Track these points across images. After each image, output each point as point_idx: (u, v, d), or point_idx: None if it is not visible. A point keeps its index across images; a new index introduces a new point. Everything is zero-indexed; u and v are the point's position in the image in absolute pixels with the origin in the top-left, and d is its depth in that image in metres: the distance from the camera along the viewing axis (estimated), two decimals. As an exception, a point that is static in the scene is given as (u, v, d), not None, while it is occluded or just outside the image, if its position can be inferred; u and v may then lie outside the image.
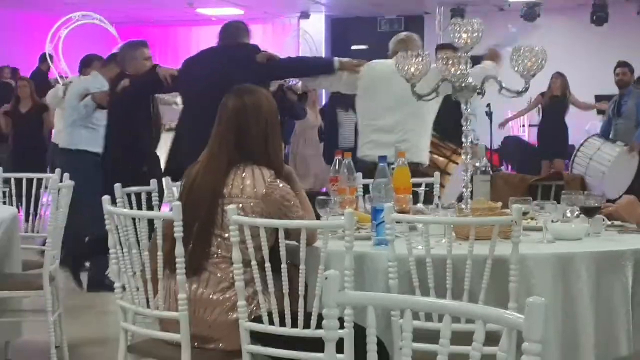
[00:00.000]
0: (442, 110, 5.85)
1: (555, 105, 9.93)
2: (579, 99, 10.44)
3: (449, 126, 5.95)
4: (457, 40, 3.35)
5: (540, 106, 10.25)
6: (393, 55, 4.89)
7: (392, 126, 4.76)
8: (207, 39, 14.75)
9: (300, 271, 2.74)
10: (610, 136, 8.47)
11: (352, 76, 4.96)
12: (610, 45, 11.69)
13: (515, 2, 11.72)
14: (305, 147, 8.63)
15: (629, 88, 8.71)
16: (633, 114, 8.49)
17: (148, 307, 3.00)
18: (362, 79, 4.95)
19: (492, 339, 1.68)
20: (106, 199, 3.06)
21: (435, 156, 5.44)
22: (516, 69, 3.31)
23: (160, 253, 2.91)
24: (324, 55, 14.11)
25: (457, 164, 5.45)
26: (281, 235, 2.74)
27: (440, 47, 6.36)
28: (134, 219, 3.02)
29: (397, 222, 2.76)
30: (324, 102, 10.31)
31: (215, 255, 2.95)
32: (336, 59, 5.07)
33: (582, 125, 10.54)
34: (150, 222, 3.00)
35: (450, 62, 3.36)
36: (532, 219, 3.31)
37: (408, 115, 4.71)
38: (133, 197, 3.76)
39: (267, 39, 14.21)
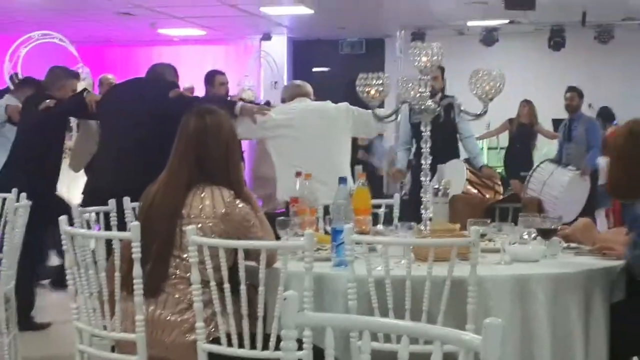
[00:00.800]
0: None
1: (522, 132, 10.10)
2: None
3: (435, 143, 6.00)
4: (417, 63, 3.39)
5: (507, 132, 10.41)
6: (289, 99, 5.05)
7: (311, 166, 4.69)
8: (169, 59, 14.69)
9: (259, 292, 2.72)
10: (563, 160, 8.59)
11: (250, 124, 4.96)
12: (567, 70, 11.88)
13: (474, 26, 11.85)
14: (266, 167, 8.59)
15: (578, 112, 8.86)
16: (583, 138, 8.63)
17: (104, 328, 2.96)
18: (272, 127, 4.95)
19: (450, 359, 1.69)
20: (63, 219, 3.02)
21: (485, 189, 5.40)
22: (474, 92, 3.35)
23: (117, 274, 2.88)
24: (285, 77, 14.16)
25: (501, 194, 5.43)
26: (240, 255, 2.73)
27: None
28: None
29: (356, 243, 2.77)
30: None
31: (173, 276, 2.93)
32: (240, 103, 5.14)
33: (539, 149, 10.68)
34: (108, 243, 2.97)
35: (410, 85, 3.39)
36: (490, 240, 3.34)
37: (325, 151, 4.75)
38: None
39: (228, 60, 14.22)
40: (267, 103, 8.30)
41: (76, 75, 6.12)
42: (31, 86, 6.39)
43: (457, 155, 6.44)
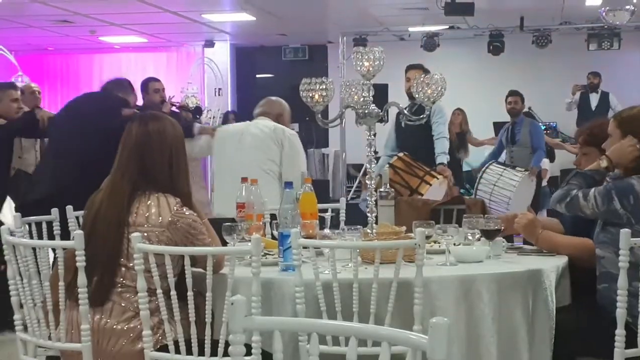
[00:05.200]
0: (407, 132, 5.97)
1: (459, 139, 10.35)
2: (479, 126, 10.84)
3: (416, 147, 6.04)
4: (359, 68, 3.41)
5: None
6: (259, 115, 5.10)
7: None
8: (110, 66, 14.56)
9: (207, 298, 2.71)
10: (506, 162, 8.75)
11: (207, 140, 5.26)
12: (506, 74, 12.08)
13: (415, 32, 11.98)
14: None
15: (520, 116, 9.04)
16: (527, 141, 8.83)
17: (49, 339, 2.92)
18: (215, 141, 5.22)
19: (398, 361, 1.70)
20: (4, 228, 2.97)
21: (408, 175, 5.42)
22: (417, 96, 3.39)
23: (61, 283, 2.84)
24: (229, 84, 14.11)
25: (430, 185, 5.45)
26: (187, 261, 2.72)
27: (410, 67, 6.43)
28: (34, 249, 2.94)
29: (303, 247, 2.78)
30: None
31: (119, 285, 2.89)
32: (197, 124, 5.38)
33: (480, 151, 10.84)
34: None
35: (353, 90, 3.42)
36: (435, 242, 3.38)
37: (253, 167, 4.80)
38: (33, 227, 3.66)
39: (170, 67, 14.12)
40: (198, 109, 8.29)
41: (11, 86, 5.99)
42: None
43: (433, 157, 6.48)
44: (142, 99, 6.60)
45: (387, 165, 5.42)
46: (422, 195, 5.27)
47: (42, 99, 7.82)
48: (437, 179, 5.56)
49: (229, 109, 13.26)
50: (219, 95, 13.91)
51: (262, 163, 4.88)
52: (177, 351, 2.74)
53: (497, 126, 10.68)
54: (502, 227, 3.33)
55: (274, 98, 5.29)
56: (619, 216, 3.02)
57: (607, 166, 3.27)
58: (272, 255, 3.25)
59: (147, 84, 6.70)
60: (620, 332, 2.80)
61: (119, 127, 4.92)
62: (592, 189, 3.14)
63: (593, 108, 11.20)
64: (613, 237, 3.00)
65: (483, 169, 8.43)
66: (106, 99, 5.26)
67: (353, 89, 3.42)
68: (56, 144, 5.20)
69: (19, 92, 5.98)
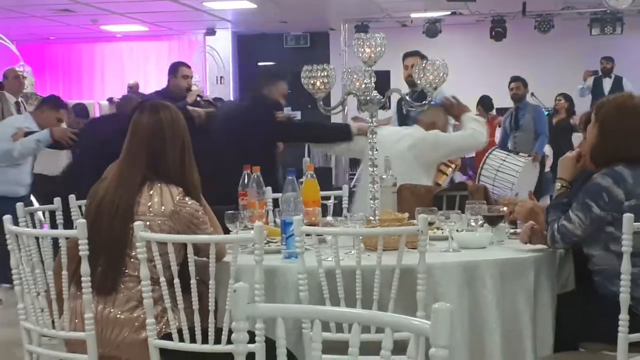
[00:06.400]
0: (409, 119, 5.93)
1: None
2: (481, 113, 10.81)
3: None
4: (360, 55, 3.40)
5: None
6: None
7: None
8: (112, 55, 14.55)
9: (210, 286, 2.71)
10: (510, 148, 8.75)
11: (365, 142, 4.82)
12: (508, 60, 12.05)
13: (417, 18, 11.95)
14: None
15: (523, 101, 9.01)
16: (531, 126, 8.81)
17: (53, 327, 2.92)
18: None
19: (402, 348, 1.70)
20: (7, 218, 2.97)
21: None
22: (419, 82, 3.38)
23: (64, 272, 2.84)
24: (231, 72, 14.09)
25: (446, 175, 5.42)
26: (190, 250, 2.72)
27: (408, 55, 6.40)
28: (37, 238, 2.94)
29: (306, 235, 2.78)
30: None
31: (122, 274, 2.89)
32: (352, 125, 4.91)
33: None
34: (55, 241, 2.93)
35: (355, 77, 3.41)
36: (438, 228, 3.38)
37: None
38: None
39: (172, 56, 14.10)
40: (216, 99, 8.21)
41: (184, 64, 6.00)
42: (52, 107, 6.12)
43: None
44: (169, 82, 6.41)
45: None
46: (439, 185, 5.22)
47: (42, 88, 7.77)
48: (451, 167, 5.54)
49: (226, 97, 13.25)
50: (221, 83, 13.90)
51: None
52: (181, 339, 2.75)
53: (500, 112, 10.67)
54: (508, 210, 3.32)
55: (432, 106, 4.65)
56: (604, 219, 2.98)
57: (566, 185, 3.24)
58: (275, 242, 3.25)
59: (177, 67, 6.43)
60: (623, 317, 2.80)
61: (271, 134, 4.87)
62: (569, 210, 3.07)
63: (606, 93, 11.14)
64: (599, 235, 2.99)
65: (486, 155, 8.43)
66: (260, 106, 5.05)
67: (355, 76, 3.41)
68: (214, 150, 4.92)
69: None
